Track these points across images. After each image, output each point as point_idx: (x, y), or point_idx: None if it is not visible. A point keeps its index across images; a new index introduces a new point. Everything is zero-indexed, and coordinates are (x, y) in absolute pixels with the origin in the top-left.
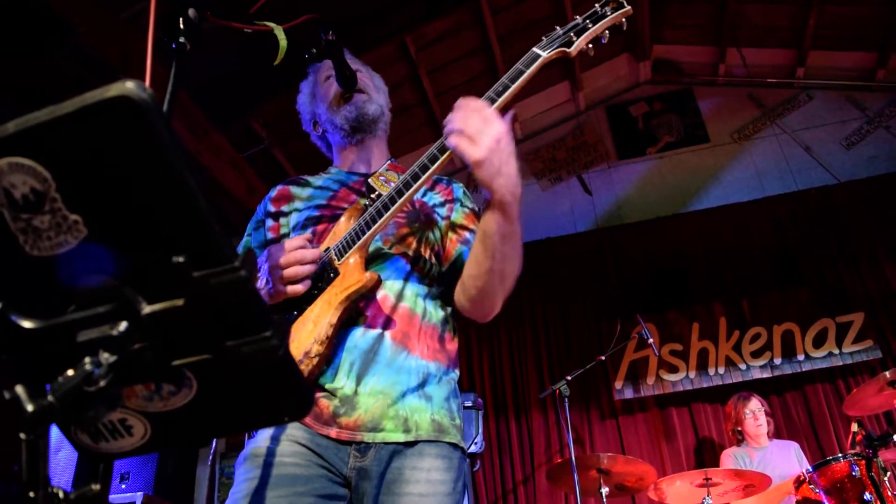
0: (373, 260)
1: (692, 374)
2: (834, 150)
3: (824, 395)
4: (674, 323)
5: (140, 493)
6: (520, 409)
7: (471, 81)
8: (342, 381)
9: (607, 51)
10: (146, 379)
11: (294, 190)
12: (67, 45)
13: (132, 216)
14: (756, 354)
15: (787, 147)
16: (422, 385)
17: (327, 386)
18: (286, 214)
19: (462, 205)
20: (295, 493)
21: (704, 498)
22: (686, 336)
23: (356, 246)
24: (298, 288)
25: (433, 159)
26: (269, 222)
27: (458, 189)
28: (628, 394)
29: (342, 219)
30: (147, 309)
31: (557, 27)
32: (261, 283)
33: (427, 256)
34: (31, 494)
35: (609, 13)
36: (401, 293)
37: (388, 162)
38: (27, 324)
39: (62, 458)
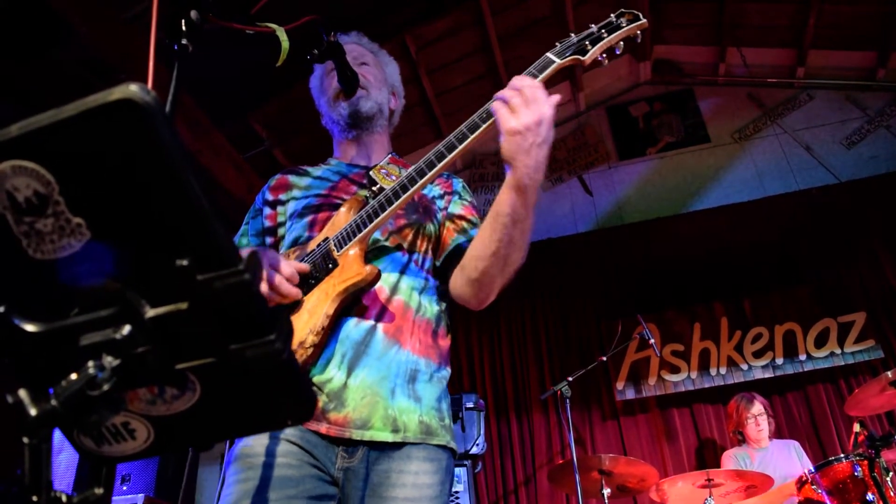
0: (369, 251)
1: (694, 375)
2: (835, 150)
3: (826, 395)
4: (675, 323)
5: (141, 496)
6: (521, 410)
7: (471, 82)
8: (332, 373)
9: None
10: (149, 382)
11: (292, 179)
12: (68, 46)
13: (135, 219)
14: (758, 354)
15: (787, 147)
16: (411, 381)
17: (316, 379)
18: (284, 203)
19: (461, 197)
20: (286, 497)
21: (706, 499)
22: (687, 336)
23: (357, 238)
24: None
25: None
26: (267, 210)
27: (458, 183)
28: (630, 394)
29: (342, 209)
30: (150, 312)
31: (572, 34)
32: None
33: (423, 250)
34: (34, 498)
35: (624, 24)
36: (396, 286)
37: (390, 156)
38: (30, 327)
39: (63, 461)
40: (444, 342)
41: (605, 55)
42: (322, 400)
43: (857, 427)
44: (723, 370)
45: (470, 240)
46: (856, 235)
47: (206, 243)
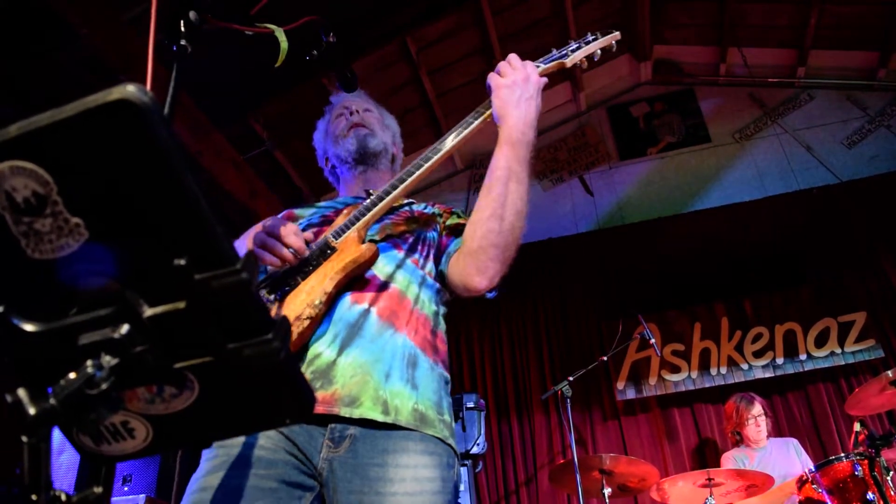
0: None
1: (694, 375)
2: (835, 150)
3: (826, 394)
4: (675, 323)
5: (142, 496)
6: (522, 410)
7: (472, 82)
8: (321, 349)
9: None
10: (148, 381)
11: (298, 211)
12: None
13: (133, 219)
14: (758, 354)
15: (788, 147)
16: (411, 366)
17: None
18: None
19: (459, 216)
20: (256, 476)
21: (707, 498)
22: (688, 336)
23: (355, 226)
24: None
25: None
26: None
27: (455, 207)
28: (630, 394)
29: (340, 215)
30: (149, 311)
31: (553, 49)
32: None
33: (423, 254)
34: (34, 498)
35: (599, 37)
36: (392, 275)
37: None
38: (29, 327)
39: (64, 462)
40: (443, 345)
41: (584, 60)
42: (307, 378)
43: (857, 426)
44: (723, 370)
45: None
46: (856, 235)
47: (203, 243)
